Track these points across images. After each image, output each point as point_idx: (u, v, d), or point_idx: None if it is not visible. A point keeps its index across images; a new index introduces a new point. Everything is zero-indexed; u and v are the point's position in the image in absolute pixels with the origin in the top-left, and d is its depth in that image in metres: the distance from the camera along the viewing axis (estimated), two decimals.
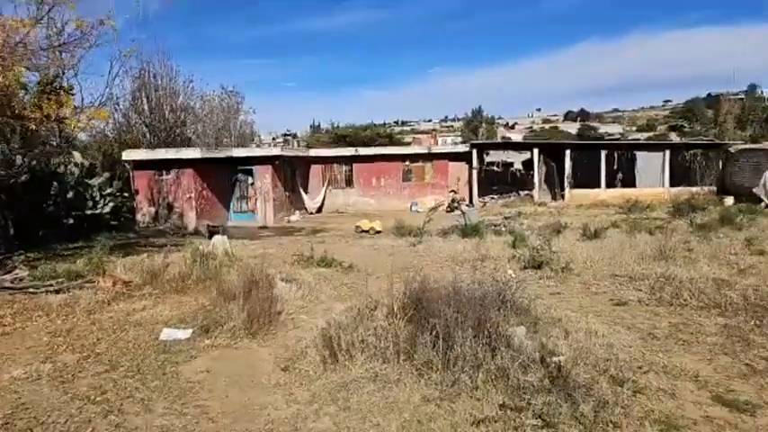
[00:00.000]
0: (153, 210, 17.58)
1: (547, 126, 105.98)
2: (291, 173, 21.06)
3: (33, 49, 9.79)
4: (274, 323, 5.25)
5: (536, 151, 23.62)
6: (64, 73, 12.62)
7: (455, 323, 4.08)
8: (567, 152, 23.02)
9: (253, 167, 18.86)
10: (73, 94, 12.97)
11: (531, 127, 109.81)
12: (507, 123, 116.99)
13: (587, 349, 4.24)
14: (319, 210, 22.30)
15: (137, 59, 20.33)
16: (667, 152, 23.25)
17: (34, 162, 13.54)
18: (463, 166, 23.08)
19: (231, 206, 19.54)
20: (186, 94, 23.20)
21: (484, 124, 60.94)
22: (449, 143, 37.07)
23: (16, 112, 11.31)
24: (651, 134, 67.67)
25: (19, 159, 13.03)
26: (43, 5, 10.16)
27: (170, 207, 17.60)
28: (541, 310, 5.32)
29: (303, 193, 22.05)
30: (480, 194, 22.70)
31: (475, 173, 22.69)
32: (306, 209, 21.72)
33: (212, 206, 18.41)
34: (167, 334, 5.01)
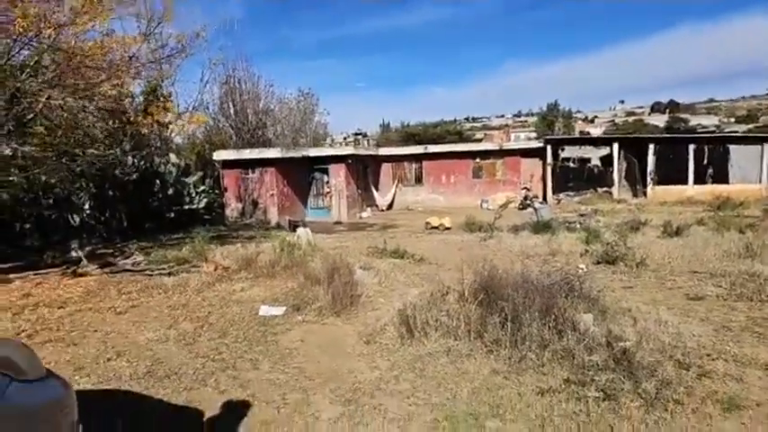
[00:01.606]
0: (240, 205, 19.07)
1: (630, 119, 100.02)
2: (363, 171, 21.88)
3: (144, 62, 11.16)
4: (355, 304, 5.82)
5: (616, 146, 22.77)
6: (163, 81, 14.17)
7: (523, 307, 4.40)
8: (651, 146, 21.99)
9: (328, 166, 19.86)
10: (171, 101, 14.51)
11: (613, 120, 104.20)
12: (586, 117, 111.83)
13: (655, 336, 4.38)
14: (389, 207, 22.95)
15: (223, 66, 22.11)
16: (766, 146, 21.49)
17: (142, 162, 15.26)
18: (536, 162, 22.74)
19: (308, 202, 20.68)
20: (267, 98, 24.77)
21: (560, 119, 58.72)
22: (522, 139, 36.38)
23: (130, 118, 12.92)
24: (752, 126, 62.03)
25: (130, 160, 14.77)
26: (151, 23, 11.55)
27: (255, 203, 19.00)
28: (611, 301, 5.47)
29: (374, 190, 22.81)
30: (555, 191, 22.26)
31: (549, 169, 22.28)
32: (377, 206, 22.46)
33: (292, 202, 19.62)
34: (264, 310, 5.74)
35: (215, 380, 3.96)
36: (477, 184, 23.10)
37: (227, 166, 19.32)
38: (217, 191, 18.93)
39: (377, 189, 23.00)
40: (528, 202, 20.25)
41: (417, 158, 23.49)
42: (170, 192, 15.92)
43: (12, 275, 8.75)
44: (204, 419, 3.36)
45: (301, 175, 20.11)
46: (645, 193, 21.81)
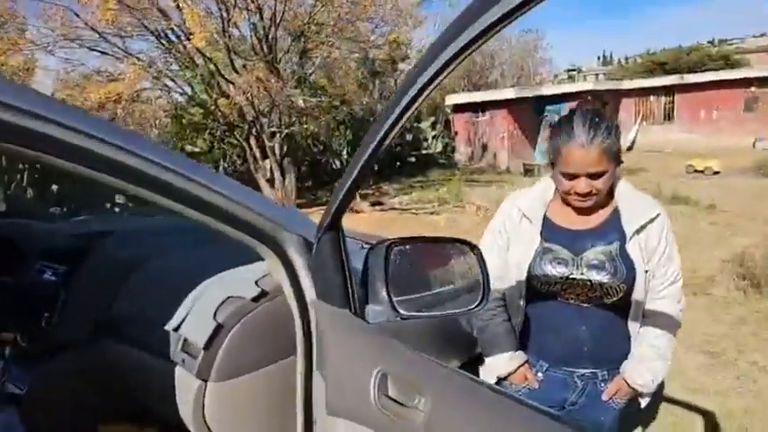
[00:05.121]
0: (469, 149, 19.42)
1: None
2: (601, 108, 19.89)
3: (402, 10, 11.83)
4: None
5: None
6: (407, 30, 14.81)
7: None
8: None
9: (561, 105, 18.57)
10: (412, 47, 15.18)
11: None
12: None
13: None
14: (629, 148, 20.52)
15: (451, 8, 22.05)
16: None
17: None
18: None
19: (537, 145, 19.87)
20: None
21: None
22: None
23: (378, 68, 14.04)
24: None
25: (379, 107, 16.18)
26: None
27: (484, 147, 19.12)
28: None
29: None
30: None
31: None
32: None
33: (521, 145, 19.12)
34: None
35: None
36: (750, 119, 18.87)
37: (457, 110, 19.69)
38: (447, 136, 19.56)
39: None
40: None
41: (668, 91, 20.21)
42: (408, 137, 17.05)
43: None
44: None
45: (531, 116, 19.32)
46: None
